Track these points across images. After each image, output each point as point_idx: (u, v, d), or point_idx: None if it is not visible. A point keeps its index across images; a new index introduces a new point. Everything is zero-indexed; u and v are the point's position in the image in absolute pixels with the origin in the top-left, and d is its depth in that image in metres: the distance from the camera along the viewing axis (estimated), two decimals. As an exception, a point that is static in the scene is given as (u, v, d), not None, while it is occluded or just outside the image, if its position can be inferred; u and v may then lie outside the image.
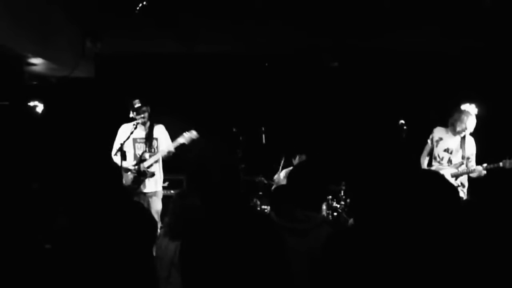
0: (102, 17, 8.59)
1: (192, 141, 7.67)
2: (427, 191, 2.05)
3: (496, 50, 8.54)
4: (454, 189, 2.16)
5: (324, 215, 7.45)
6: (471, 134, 7.23)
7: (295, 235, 3.18)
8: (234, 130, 8.42)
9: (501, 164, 6.95)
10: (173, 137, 7.76)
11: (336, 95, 9.61)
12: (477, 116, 7.37)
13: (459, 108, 7.23)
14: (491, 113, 8.24)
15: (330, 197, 8.02)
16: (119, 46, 9.05)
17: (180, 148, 7.65)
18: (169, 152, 7.59)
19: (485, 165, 7.06)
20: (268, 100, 9.69)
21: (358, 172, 7.53)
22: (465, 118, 7.11)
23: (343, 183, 8.34)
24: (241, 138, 8.38)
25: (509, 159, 6.91)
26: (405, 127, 7.06)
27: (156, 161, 7.62)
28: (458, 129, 7.12)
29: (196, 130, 7.69)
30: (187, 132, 7.65)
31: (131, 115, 7.51)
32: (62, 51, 8.39)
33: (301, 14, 8.33)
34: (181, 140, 7.62)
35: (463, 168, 7.16)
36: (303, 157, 8.67)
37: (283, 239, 1.56)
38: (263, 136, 8.76)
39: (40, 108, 9.26)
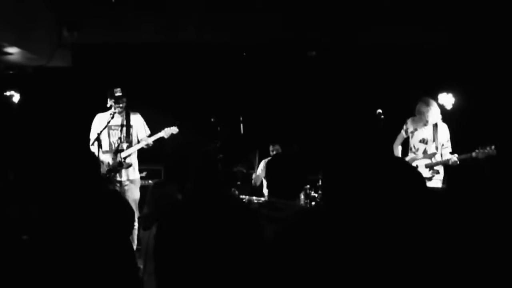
0: (79, 6, 8.53)
1: (171, 135, 7.69)
2: (393, 177, 2.07)
3: (472, 42, 8.61)
4: (420, 177, 2.18)
5: (302, 204, 7.47)
6: (444, 120, 7.27)
7: (274, 223, 3.20)
8: (212, 120, 8.41)
9: (473, 154, 6.97)
10: (151, 127, 7.75)
11: (314, 84, 9.62)
12: (454, 106, 7.44)
13: (422, 98, 7.25)
14: (468, 103, 8.33)
15: (308, 186, 8.04)
16: (96, 35, 8.98)
17: (158, 140, 7.67)
18: (147, 145, 7.59)
19: (456, 155, 7.07)
20: (246, 90, 9.68)
21: (333, 159, 7.54)
22: (428, 108, 7.13)
23: (321, 172, 8.37)
24: (219, 128, 8.37)
25: (482, 149, 6.93)
26: (382, 117, 7.10)
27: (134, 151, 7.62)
28: (425, 119, 7.15)
29: (177, 124, 7.71)
30: (168, 128, 7.67)
31: (109, 103, 7.46)
32: (39, 40, 8.32)
33: (280, 4, 8.35)
34: (161, 134, 7.63)
35: (437, 158, 7.18)
36: (277, 147, 8.70)
37: (260, 225, 1.57)
38: (241, 126, 8.77)
39: (16, 97, 9.18)
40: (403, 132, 7.49)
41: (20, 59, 8.53)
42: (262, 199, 7.76)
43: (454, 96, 8.15)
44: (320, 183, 8.33)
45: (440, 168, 7.27)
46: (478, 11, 8.19)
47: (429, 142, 7.23)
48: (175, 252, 1.48)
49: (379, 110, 7.13)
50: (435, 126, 7.21)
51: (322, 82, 9.56)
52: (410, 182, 2.08)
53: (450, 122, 7.36)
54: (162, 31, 8.80)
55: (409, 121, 7.43)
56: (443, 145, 7.21)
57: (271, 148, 8.75)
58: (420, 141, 7.28)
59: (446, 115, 7.55)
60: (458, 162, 7.03)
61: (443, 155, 7.19)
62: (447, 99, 8.11)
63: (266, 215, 3.25)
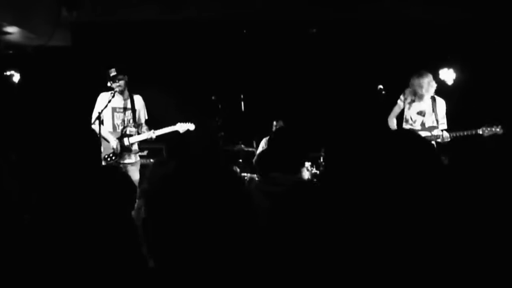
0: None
1: (187, 131, 7.68)
2: (403, 149, 2.05)
3: (477, 19, 8.55)
4: (431, 147, 2.17)
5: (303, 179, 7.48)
6: (444, 96, 7.21)
7: (271, 198, 3.21)
8: (213, 98, 8.40)
9: (479, 131, 6.91)
10: (152, 107, 7.76)
11: (315, 61, 9.58)
12: (455, 81, 7.40)
13: (417, 71, 7.16)
14: (470, 78, 8.30)
15: (309, 163, 8.04)
16: (95, 14, 8.94)
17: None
18: (150, 138, 7.60)
19: (454, 133, 7.02)
20: (247, 67, 9.65)
21: (335, 135, 7.54)
22: (422, 80, 7.05)
23: (323, 149, 8.37)
24: (220, 106, 8.36)
25: (488, 126, 6.88)
26: (383, 92, 7.06)
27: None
28: (419, 93, 7.07)
29: (175, 103, 7.69)
30: (185, 123, 7.65)
31: (108, 84, 7.46)
32: (38, 19, 8.28)
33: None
34: (177, 127, 7.62)
35: (437, 132, 7.12)
36: (281, 123, 8.70)
37: (251, 199, 1.56)
38: (242, 103, 8.75)
39: (16, 77, 9.17)
40: (399, 102, 7.33)
41: (19, 38, 8.50)
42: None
43: (455, 71, 8.12)
44: (321, 160, 8.34)
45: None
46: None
47: (427, 115, 7.15)
48: (165, 226, 1.48)
49: (380, 86, 7.10)
50: (433, 99, 7.15)
51: (323, 59, 9.52)
52: (421, 154, 2.07)
53: (451, 98, 7.32)
54: (162, 9, 8.76)
55: (407, 91, 7.28)
56: (438, 121, 7.15)
57: (274, 123, 8.75)
58: (418, 113, 7.19)
59: (448, 90, 7.53)
60: (449, 139, 6.97)
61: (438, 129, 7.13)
62: (448, 75, 8.07)
63: (264, 190, 3.26)
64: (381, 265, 1.90)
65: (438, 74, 7.95)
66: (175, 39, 9.49)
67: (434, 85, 7.08)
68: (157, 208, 1.51)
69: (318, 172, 8.17)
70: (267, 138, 8.41)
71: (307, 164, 7.97)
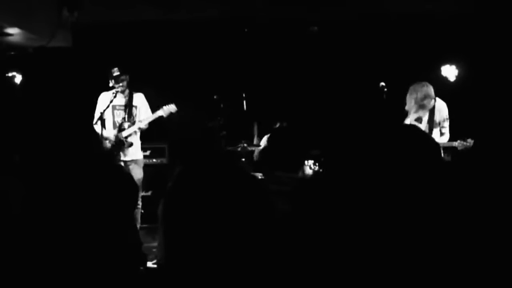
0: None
1: (171, 114, 7.66)
2: (406, 145, 2.05)
3: (480, 14, 8.53)
4: (435, 144, 2.16)
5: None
6: (446, 94, 7.13)
7: (278, 197, 3.21)
8: (215, 97, 8.40)
9: (454, 143, 6.85)
10: (153, 106, 7.74)
11: (317, 59, 9.57)
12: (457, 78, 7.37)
13: (415, 84, 7.00)
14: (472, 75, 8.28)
15: (312, 161, 8.03)
16: (97, 15, 8.94)
17: (158, 120, 7.64)
18: (139, 128, 7.57)
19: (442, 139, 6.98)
20: (249, 66, 9.65)
21: (337, 132, 7.52)
22: (427, 89, 6.93)
23: (325, 147, 8.35)
24: (222, 105, 8.36)
25: (462, 140, 6.81)
26: (385, 89, 7.03)
27: (135, 131, 7.60)
28: (429, 106, 6.94)
29: (175, 102, 7.67)
30: (166, 106, 7.64)
31: (110, 84, 7.46)
32: (39, 20, 8.28)
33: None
34: (160, 113, 7.61)
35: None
36: (285, 124, 8.70)
37: (269, 195, 1.55)
38: (244, 102, 8.75)
39: (18, 78, 9.17)
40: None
41: (20, 39, 8.50)
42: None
43: (458, 68, 8.10)
44: (324, 157, 8.33)
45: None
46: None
47: (423, 122, 7.06)
48: (184, 219, 1.47)
49: (382, 83, 7.07)
50: (432, 108, 7.07)
51: (325, 57, 9.51)
52: (423, 150, 2.06)
53: (453, 95, 7.30)
54: (163, 8, 8.75)
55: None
56: (439, 123, 7.05)
57: (278, 125, 8.73)
58: (416, 120, 7.10)
59: (449, 88, 7.51)
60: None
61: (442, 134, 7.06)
62: (451, 71, 8.05)
63: (272, 189, 3.26)
64: (385, 262, 1.90)
65: (440, 71, 7.93)
66: (176, 38, 9.49)
67: (432, 95, 6.96)
68: (173, 209, 1.50)
69: (320, 170, 8.15)
70: (268, 135, 8.41)
71: (310, 162, 7.96)
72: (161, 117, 7.63)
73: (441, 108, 7.00)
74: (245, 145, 8.69)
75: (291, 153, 3.52)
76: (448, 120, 7.05)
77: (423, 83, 6.77)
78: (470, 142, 6.81)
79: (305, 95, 9.57)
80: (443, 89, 7.33)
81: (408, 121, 7.10)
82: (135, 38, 9.28)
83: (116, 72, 7.37)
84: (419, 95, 6.67)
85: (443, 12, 8.58)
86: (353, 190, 1.98)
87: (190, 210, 1.47)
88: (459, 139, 6.84)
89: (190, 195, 1.49)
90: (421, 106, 6.79)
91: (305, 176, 7.54)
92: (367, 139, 2.08)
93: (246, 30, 9.42)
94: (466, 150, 6.79)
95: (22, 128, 8.39)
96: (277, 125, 8.73)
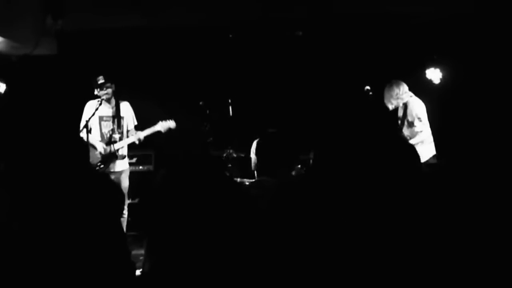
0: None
1: (169, 130, 7.67)
2: (390, 154, 2.06)
3: (461, 14, 8.56)
4: (413, 152, 2.17)
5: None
6: (430, 97, 7.21)
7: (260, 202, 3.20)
8: (200, 103, 8.40)
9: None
10: (140, 114, 7.73)
11: (302, 64, 9.59)
12: (441, 81, 7.39)
13: (389, 83, 7.15)
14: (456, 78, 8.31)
15: (299, 166, 8.04)
16: (81, 22, 8.90)
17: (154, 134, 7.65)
18: (139, 140, 7.57)
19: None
20: (234, 72, 9.66)
21: (324, 137, 7.53)
22: (387, 92, 7.05)
23: (312, 152, 8.36)
24: (208, 111, 8.36)
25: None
26: (370, 93, 7.06)
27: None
28: (401, 102, 7.07)
29: (162, 108, 7.69)
30: (165, 121, 7.64)
31: (95, 92, 7.44)
32: (23, 28, 8.22)
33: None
34: (158, 128, 7.61)
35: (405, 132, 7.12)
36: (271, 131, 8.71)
37: (251, 200, 1.55)
38: (230, 108, 8.75)
39: (2, 87, 9.11)
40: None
41: (4, 48, 8.44)
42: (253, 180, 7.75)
43: (442, 71, 8.13)
44: (311, 162, 8.33)
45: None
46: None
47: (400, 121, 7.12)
48: (166, 225, 1.47)
49: (367, 87, 7.10)
50: (405, 105, 7.16)
51: (310, 61, 9.53)
52: (402, 157, 2.07)
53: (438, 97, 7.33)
54: (148, 15, 8.74)
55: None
56: (412, 122, 7.13)
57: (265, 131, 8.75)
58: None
59: (434, 91, 7.54)
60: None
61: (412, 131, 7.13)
62: (435, 74, 8.09)
63: (255, 194, 3.26)
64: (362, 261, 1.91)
65: (424, 74, 7.97)
66: (161, 45, 9.48)
67: (406, 92, 7.07)
68: (153, 214, 1.50)
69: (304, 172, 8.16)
70: (256, 141, 8.40)
71: (298, 166, 7.97)
72: (158, 132, 7.65)
73: (414, 107, 7.09)
74: (231, 151, 8.69)
75: (278, 158, 3.52)
76: (421, 120, 7.11)
77: (392, 83, 6.96)
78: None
79: (291, 100, 9.59)
80: (428, 92, 7.37)
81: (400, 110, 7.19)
82: (120, 45, 9.26)
83: (100, 80, 7.37)
84: (402, 89, 7.03)
85: (428, 14, 8.61)
86: (333, 190, 1.99)
87: (171, 214, 1.46)
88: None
89: (171, 200, 1.48)
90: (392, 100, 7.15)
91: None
92: (351, 143, 2.09)
93: (230, 36, 9.43)
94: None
95: (6, 137, 8.33)
96: (265, 131, 8.75)
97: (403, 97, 7.09)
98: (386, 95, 7.07)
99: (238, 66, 9.64)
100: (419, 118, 7.13)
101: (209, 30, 9.31)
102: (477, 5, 8.08)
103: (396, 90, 7.05)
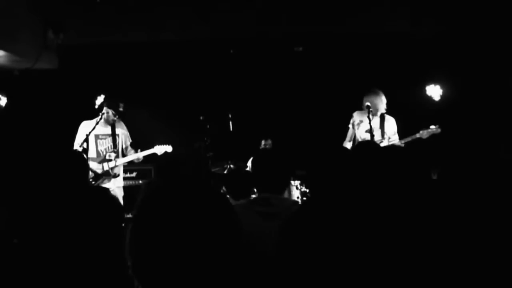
0: (64, 7, 8.47)
1: (165, 153, 7.68)
2: (389, 166, 2.07)
3: (461, 33, 8.61)
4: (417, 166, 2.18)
5: (296, 199, 7.46)
6: (389, 113, 7.25)
7: (269, 219, 3.19)
8: (201, 118, 8.40)
9: (417, 135, 7.07)
10: (140, 128, 7.74)
11: (302, 79, 9.62)
12: (442, 97, 7.41)
13: (371, 89, 7.21)
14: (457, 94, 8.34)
15: (298, 182, 8.03)
16: (82, 37, 8.94)
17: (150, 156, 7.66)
18: (137, 159, 7.57)
19: (402, 141, 7.08)
20: (235, 87, 9.69)
21: (322, 153, 7.50)
22: (379, 98, 7.11)
23: (309, 167, 8.32)
24: (208, 126, 8.37)
25: (425, 128, 7.00)
26: (371, 109, 7.05)
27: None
28: (378, 111, 7.12)
29: (162, 122, 7.69)
30: (162, 146, 7.66)
31: (103, 110, 7.32)
32: (24, 42, 8.25)
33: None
34: (155, 150, 7.62)
35: (384, 144, 7.14)
36: (269, 141, 8.73)
37: (237, 216, 1.53)
38: (230, 123, 8.76)
39: (3, 101, 9.13)
40: (350, 126, 7.42)
41: (5, 62, 8.45)
42: (253, 196, 7.73)
43: (442, 87, 8.16)
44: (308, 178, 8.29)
45: None
46: (467, 1, 8.21)
47: (375, 130, 7.13)
48: (150, 245, 1.45)
49: (368, 103, 7.10)
50: (382, 117, 7.20)
51: (310, 77, 9.56)
52: (405, 172, 2.08)
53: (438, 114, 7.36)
54: (149, 30, 8.77)
55: (354, 114, 7.37)
56: (389, 138, 7.18)
57: (263, 142, 8.78)
58: (366, 131, 7.15)
59: (434, 106, 7.56)
60: (403, 145, 7.04)
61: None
62: (435, 91, 8.11)
63: (258, 210, 3.26)
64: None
65: (425, 91, 8.00)
66: (162, 60, 9.51)
67: (385, 103, 7.17)
68: (141, 227, 1.48)
69: (307, 190, 8.14)
70: (253, 157, 8.40)
71: (296, 182, 7.96)
72: (153, 154, 7.65)
73: (390, 123, 7.16)
74: (231, 165, 8.69)
75: (277, 174, 3.52)
76: (397, 135, 7.16)
77: (374, 92, 7.07)
78: (433, 128, 7.06)
79: (291, 114, 9.61)
80: (428, 109, 7.40)
81: (358, 134, 7.21)
82: (120, 60, 9.29)
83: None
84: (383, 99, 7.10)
85: (427, 32, 8.66)
86: (342, 218, 1.99)
87: (157, 232, 1.45)
88: (420, 130, 7.06)
89: (157, 217, 1.47)
90: (362, 113, 7.25)
91: (291, 197, 7.55)
92: (350, 160, 2.10)
93: (231, 51, 9.46)
94: (434, 136, 6.97)
95: (6, 151, 8.33)
96: (262, 143, 8.77)
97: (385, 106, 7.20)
98: (378, 102, 7.09)
99: (239, 81, 9.66)
100: (395, 133, 7.21)
101: (210, 45, 9.35)
102: (451, 24, 8.19)
103: (383, 97, 7.11)
